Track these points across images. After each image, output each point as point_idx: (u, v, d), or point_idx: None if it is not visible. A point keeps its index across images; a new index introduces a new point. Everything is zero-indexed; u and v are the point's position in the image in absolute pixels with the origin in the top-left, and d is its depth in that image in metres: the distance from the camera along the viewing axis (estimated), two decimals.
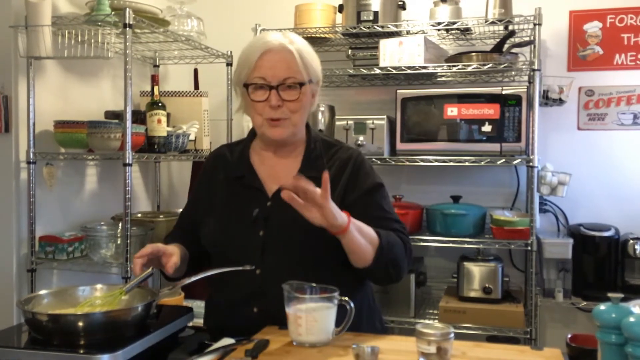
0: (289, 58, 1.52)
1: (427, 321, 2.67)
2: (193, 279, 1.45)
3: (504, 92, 2.62)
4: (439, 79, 3.00)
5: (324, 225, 1.37)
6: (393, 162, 2.74)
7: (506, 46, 2.69)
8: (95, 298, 1.43)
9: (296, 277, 1.42)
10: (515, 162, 2.64)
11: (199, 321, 2.65)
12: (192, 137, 2.84)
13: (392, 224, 1.58)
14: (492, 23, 2.67)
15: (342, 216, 1.39)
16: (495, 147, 2.62)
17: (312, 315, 1.32)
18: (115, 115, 2.59)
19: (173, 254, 1.49)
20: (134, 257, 1.45)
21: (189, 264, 1.63)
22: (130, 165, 2.29)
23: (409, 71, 2.69)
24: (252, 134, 1.70)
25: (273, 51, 1.52)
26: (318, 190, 1.33)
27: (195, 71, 3.20)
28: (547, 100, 2.78)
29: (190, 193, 3.16)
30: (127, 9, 2.27)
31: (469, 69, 2.64)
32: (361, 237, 1.44)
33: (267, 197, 1.58)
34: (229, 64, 3.05)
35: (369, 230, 1.47)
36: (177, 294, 2.50)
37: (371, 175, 1.62)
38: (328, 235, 1.44)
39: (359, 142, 2.74)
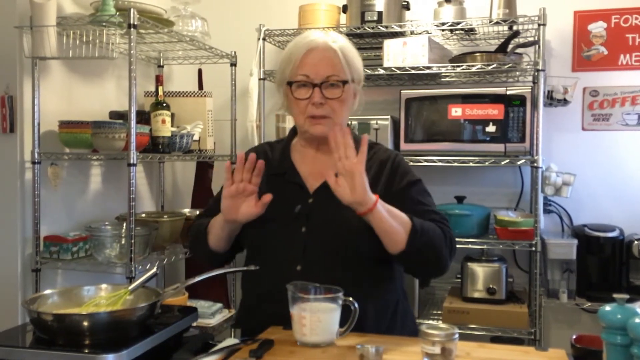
0: (333, 56, 1.54)
1: (431, 322, 2.67)
2: (197, 279, 1.46)
3: (508, 93, 2.62)
4: (443, 79, 3.00)
5: (352, 201, 1.38)
6: None
7: (510, 46, 2.69)
8: (100, 298, 1.43)
9: (336, 274, 1.44)
10: (519, 163, 2.63)
11: (202, 321, 2.66)
12: (196, 138, 2.84)
13: (431, 215, 1.57)
14: (497, 23, 2.66)
15: (370, 193, 1.40)
16: (499, 147, 2.61)
17: (317, 316, 1.32)
18: (120, 116, 2.60)
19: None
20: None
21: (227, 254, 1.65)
22: (134, 165, 2.29)
23: (413, 71, 2.68)
24: (293, 132, 1.71)
25: (317, 49, 1.54)
26: (354, 156, 1.37)
27: (200, 71, 3.21)
28: (552, 100, 2.77)
29: (194, 192, 3.17)
30: (132, 10, 2.27)
31: (473, 69, 2.64)
32: (391, 218, 1.44)
33: (308, 194, 1.58)
34: (233, 64, 3.05)
35: (400, 213, 1.47)
36: (181, 294, 2.51)
37: (408, 173, 1.63)
38: (369, 232, 1.45)
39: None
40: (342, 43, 1.57)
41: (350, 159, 1.37)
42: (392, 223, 1.44)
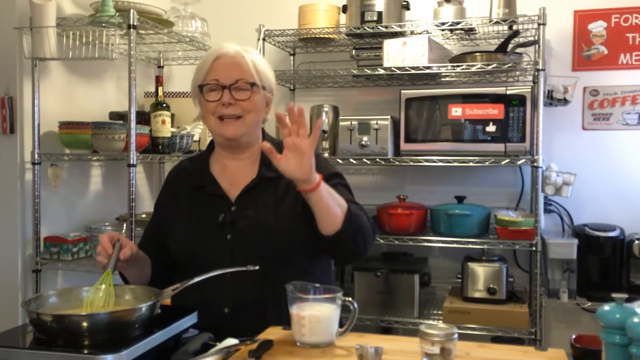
0: (242, 62, 1.61)
1: (431, 322, 2.67)
2: (196, 279, 1.46)
3: (508, 92, 2.61)
4: (443, 79, 3.00)
5: (298, 177, 1.39)
6: (397, 163, 2.74)
7: (510, 46, 2.69)
8: (92, 294, 1.43)
9: (265, 276, 1.49)
10: (519, 162, 2.63)
11: None
12: (196, 138, 2.85)
13: (352, 205, 1.60)
14: (496, 23, 2.66)
15: (315, 172, 1.42)
16: (499, 147, 2.61)
17: (316, 316, 1.32)
18: (120, 116, 2.60)
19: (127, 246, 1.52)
20: (102, 241, 1.50)
21: (155, 275, 1.68)
22: (134, 166, 2.30)
23: (413, 71, 2.68)
24: (212, 145, 1.77)
25: (227, 56, 1.62)
26: (306, 135, 1.38)
27: None
28: (552, 100, 2.77)
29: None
30: (132, 10, 2.28)
31: (473, 69, 2.64)
32: (330, 198, 1.46)
33: (230, 203, 1.63)
34: None
35: (337, 195, 1.50)
36: None
37: (328, 167, 1.69)
38: (293, 231, 1.52)
39: (363, 142, 2.73)
40: (254, 55, 1.66)
41: (303, 138, 1.38)
42: (331, 203, 1.46)
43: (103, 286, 1.43)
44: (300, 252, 1.58)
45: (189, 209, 1.68)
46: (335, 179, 1.65)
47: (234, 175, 1.68)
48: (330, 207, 1.46)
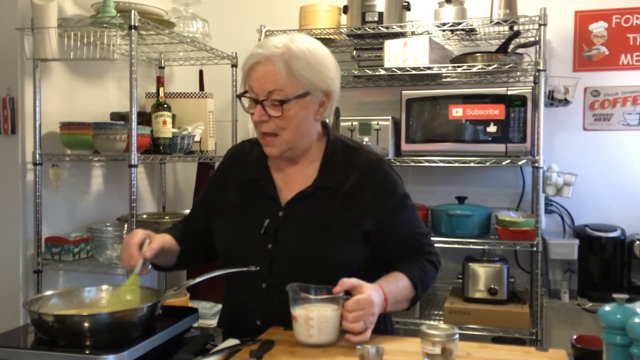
0: (275, 71, 1.43)
1: (432, 322, 2.67)
2: (198, 279, 1.46)
3: (509, 93, 2.62)
4: (443, 80, 3.00)
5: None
6: (398, 163, 2.74)
7: (511, 47, 2.69)
8: (115, 293, 1.44)
9: None
10: (520, 163, 2.63)
11: (204, 322, 2.67)
12: (197, 139, 2.85)
13: (422, 239, 1.61)
14: (497, 23, 2.66)
15: (380, 304, 1.39)
16: (500, 147, 2.61)
17: (324, 316, 1.31)
18: (121, 117, 2.60)
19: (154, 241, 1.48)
20: (129, 246, 1.43)
21: (187, 256, 1.63)
22: (135, 166, 2.30)
23: (413, 72, 2.68)
24: None
25: (261, 63, 1.45)
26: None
27: (201, 72, 3.21)
28: (553, 100, 2.77)
29: (195, 193, 3.17)
30: (133, 11, 2.28)
31: (474, 69, 2.64)
32: (398, 305, 1.49)
33: (279, 206, 1.52)
34: (234, 65, 3.05)
35: (404, 290, 1.50)
36: (182, 294, 2.52)
37: (395, 189, 1.57)
38: (336, 252, 1.46)
39: (364, 143, 2.73)
40: (294, 53, 1.44)
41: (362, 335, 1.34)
42: (398, 306, 1.50)
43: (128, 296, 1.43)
44: (341, 273, 1.41)
45: (236, 202, 1.57)
46: (403, 208, 1.58)
47: (289, 175, 1.56)
48: (397, 308, 1.50)
